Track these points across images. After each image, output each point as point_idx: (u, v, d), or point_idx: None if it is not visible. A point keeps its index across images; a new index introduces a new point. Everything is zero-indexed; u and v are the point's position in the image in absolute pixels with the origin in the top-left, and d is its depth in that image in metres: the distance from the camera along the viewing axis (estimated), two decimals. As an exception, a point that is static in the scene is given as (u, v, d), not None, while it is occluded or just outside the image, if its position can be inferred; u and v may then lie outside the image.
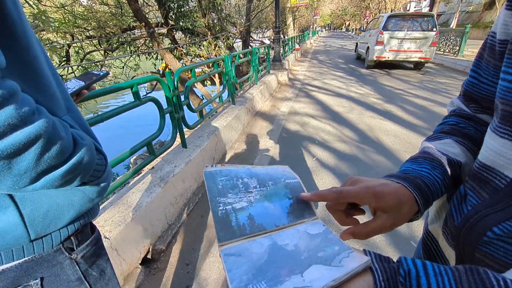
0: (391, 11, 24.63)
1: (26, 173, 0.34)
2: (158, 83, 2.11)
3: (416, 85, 5.95)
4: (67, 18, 6.57)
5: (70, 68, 7.36)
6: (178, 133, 2.30)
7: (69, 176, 0.40)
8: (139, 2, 6.56)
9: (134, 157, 6.26)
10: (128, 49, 8.48)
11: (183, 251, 1.70)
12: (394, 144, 3.06)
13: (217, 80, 9.25)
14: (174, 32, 7.99)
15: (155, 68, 10.32)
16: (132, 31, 8.33)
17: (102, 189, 0.51)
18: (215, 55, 8.01)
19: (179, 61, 7.83)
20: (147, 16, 7.65)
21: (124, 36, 7.99)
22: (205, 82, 9.08)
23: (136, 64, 9.33)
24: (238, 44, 12.42)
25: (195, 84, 6.26)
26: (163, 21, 7.71)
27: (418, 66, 8.06)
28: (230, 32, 10.17)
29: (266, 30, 21.09)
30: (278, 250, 0.28)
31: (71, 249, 0.50)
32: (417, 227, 1.77)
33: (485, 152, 0.36)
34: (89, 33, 7.68)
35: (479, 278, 0.22)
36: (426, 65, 8.58)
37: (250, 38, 12.59)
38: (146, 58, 8.84)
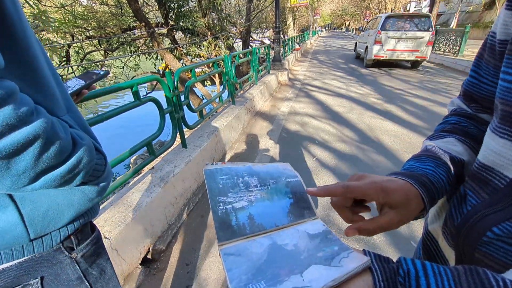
0: (391, 11, 24.65)
1: (25, 173, 0.34)
2: (158, 83, 2.11)
3: (416, 85, 5.95)
4: (67, 18, 6.57)
5: (70, 68, 7.36)
6: (178, 133, 2.30)
7: (68, 176, 0.40)
8: (139, 2, 6.56)
9: (134, 157, 6.26)
10: (128, 49, 8.48)
11: (183, 251, 1.70)
12: (394, 144, 3.06)
13: (217, 80, 9.25)
14: (174, 32, 7.99)
15: (155, 68, 10.32)
16: (132, 31, 8.33)
17: (101, 188, 0.51)
18: (215, 55, 8.01)
19: (179, 61, 7.83)
20: (147, 16, 7.65)
21: (124, 36, 7.99)
22: (205, 82, 9.09)
23: (136, 64, 9.33)
24: (238, 44, 12.42)
25: (195, 84, 6.26)
26: (163, 21, 7.70)
27: (415, 64, 8.29)
28: (230, 32, 10.17)
29: (266, 30, 21.09)
30: (277, 250, 0.28)
31: (71, 248, 0.50)
32: (417, 227, 1.77)
33: (484, 152, 0.36)
34: (89, 33, 7.68)
35: (478, 279, 0.22)
36: (426, 65, 8.91)
37: (250, 38, 12.58)
38: (146, 58, 8.84)
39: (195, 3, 8.01)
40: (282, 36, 10.52)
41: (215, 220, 0.31)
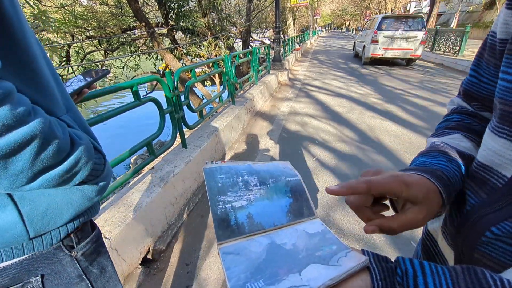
0: (391, 11, 24.67)
1: (23, 173, 0.34)
2: (158, 83, 2.11)
3: (416, 85, 5.95)
4: (67, 18, 6.58)
5: (70, 68, 7.37)
6: (178, 133, 2.31)
7: (66, 176, 0.40)
8: (139, 2, 6.57)
9: (134, 157, 6.26)
10: (128, 49, 8.48)
11: (183, 251, 1.70)
12: (394, 144, 3.06)
13: (217, 80, 9.26)
14: (174, 32, 7.99)
15: (155, 68, 10.32)
16: (132, 31, 8.33)
17: (101, 188, 0.51)
18: (215, 55, 8.01)
19: (179, 61, 7.84)
20: (147, 16, 7.65)
21: (124, 36, 8.00)
22: (205, 82, 9.08)
23: (136, 64, 9.32)
24: (238, 44, 12.41)
25: (195, 84, 6.26)
26: (163, 21, 7.71)
27: (409, 62, 8.81)
28: (230, 32, 10.16)
29: (266, 30, 21.09)
30: (276, 249, 0.28)
31: (71, 246, 0.50)
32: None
33: (483, 151, 0.36)
34: (89, 33, 7.69)
35: (476, 278, 0.22)
36: (426, 65, 8.97)
37: (250, 38, 12.58)
38: (146, 58, 8.84)
39: (195, 3, 8.01)
40: (282, 36, 10.52)
41: (214, 219, 0.31)
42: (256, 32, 20.15)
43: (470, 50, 9.49)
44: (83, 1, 8.48)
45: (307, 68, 9.17)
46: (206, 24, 8.00)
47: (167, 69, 7.84)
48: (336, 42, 24.34)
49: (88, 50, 8.53)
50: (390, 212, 0.36)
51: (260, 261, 0.26)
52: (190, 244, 1.75)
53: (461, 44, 8.48)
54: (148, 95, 2.05)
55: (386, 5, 26.07)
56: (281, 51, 7.42)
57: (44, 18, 4.36)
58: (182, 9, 7.56)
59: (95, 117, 1.43)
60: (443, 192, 0.34)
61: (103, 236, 1.32)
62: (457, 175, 0.36)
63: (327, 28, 74.54)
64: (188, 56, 8.41)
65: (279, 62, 6.97)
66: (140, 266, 1.56)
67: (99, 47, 8.40)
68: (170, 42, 8.16)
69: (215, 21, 8.80)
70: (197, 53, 8.35)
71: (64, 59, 7.37)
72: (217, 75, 8.63)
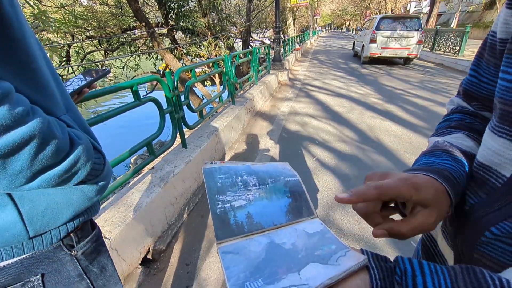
0: (391, 11, 24.68)
1: (21, 173, 0.34)
2: (158, 83, 2.11)
3: (417, 85, 5.95)
4: (67, 18, 6.58)
5: (70, 68, 7.37)
6: (178, 133, 2.31)
7: (65, 176, 0.40)
8: (139, 2, 6.56)
9: (134, 157, 6.26)
10: (128, 49, 8.48)
11: (183, 251, 1.70)
12: (394, 144, 3.06)
13: (217, 80, 9.26)
14: (174, 32, 7.99)
15: (155, 68, 10.32)
16: (132, 31, 8.33)
17: (101, 187, 0.52)
18: (215, 55, 8.01)
19: (179, 61, 7.84)
20: (147, 16, 7.65)
21: (124, 36, 8.00)
22: (205, 82, 9.08)
23: (136, 64, 9.33)
24: (238, 44, 12.41)
25: (195, 84, 6.26)
26: (163, 21, 7.71)
27: (407, 61, 9.06)
28: (230, 32, 10.17)
29: (266, 30, 21.09)
30: (275, 248, 0.28)
31: (71, 246, 0.51)
32: (417, 227, 1.77)
33: (483, 151, 0.36)
34: (89, 33, 7.69)
35: (475, 278, 0.22)
36: (426, 65, 9.00)
37: (250, 38, 12.59)
38: (146, 58, 8.85)
39: (195, 3, 8.01)
40: (282, 36, 10.51)
41: (214, 218, 0.31)
42: (256, 32, 20.15)
43: (470, 50, 9.49)
44: (83, 1, 8.49)
45: (307, 68, 9.17)
46: (206, 24, 8.00)
47: (167, 69, 7.84)
48: (336, 42, 24.34)
49: (88, 50, 8.54)
50: (398, 215, 0.35)
51: (259, 260, 0.26)
52: (190, 244, 1.75)
53: (461, 44, 8.48)
54: (148, 95, 2.05)
55: (386, 5, 26.07)
56: (281, 51, 7.42)
57: (44, 18, 4.36)
58: (182, 9, 7.56)
59: (95, 117, 1.43)
60: (451, 192, 0.33)
61: (103, 236, 1.32)
62: (462, 174, 0.36)
63: (327, 28, 74.55)
64: (188, 56, 8.41)
65: (279, 62, 6.97)
66: (140, 266, 1.56)
67: (99, 47, 8.40)
68: (170, 42, 8.16)
69: (215, 21, 8.80)
70: (197, 53, 8.35)
71: (64, 59, 7.38)
72: (217, 75, 8.63)
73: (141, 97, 1.79)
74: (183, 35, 8.66)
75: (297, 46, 12.52)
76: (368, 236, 1.73)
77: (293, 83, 6.77)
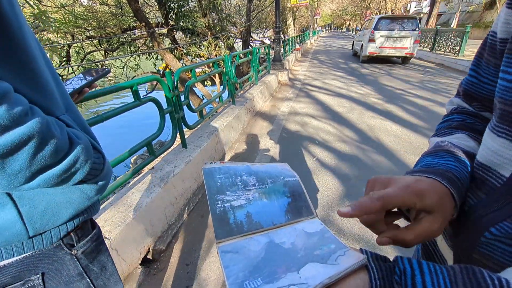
0: (392, 11, 24.68)
1: (20, 173, 0.34)
2: (158, 83, 2.11)
3: (417, 85, 5.95)
4: (67, 18, 6.58)
5: (70, 68, 7.37)
6: (178, 133, 2.31)
7: (65, 175, 0.40)
8: (139, 2, 6.57)
9: (134, 157, 6.26)
10: (128, 49, 8.49)
11: (183, 251, 1.70)
12: (394, 144, 3.06)
13: (217, 80, 9.26)
14: (174, 32, 7.99)
15: (155, 68, 10.32)
16: (133, 31, 8.33)
17: (100, 187, 0.52)
18: (215, 55, 8.01)
19: (179, 61, 7.84)
20: (147, 16, 7.65)
21: (125, 36, 8.00)
22: (205, 82, 9.09)
23: (137, 64, 9.33)
24: (238, 44, 12.42)
25: (195, 84, 6.26)
26: (163, 21, 7.71)
27: (404, 60, 9.35)
28: (231, 32, 10.17)
29: (266, 30, 21.10)
30: (275, 248, 0.28)
31: (71, 245, 0.51)
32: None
33: (482, 151, 0.36)
34: (89, 33, 7.69)
35: (474, 278, 0.22)
36: (426, 65, 9.04)
37: (251, 38, 12.59)
38: (147, 58, 8.85)
39: (195, 3, 8.01)
40: (282, 36, 10.52)
41: (213, 218, 0.31)
42: (256, 32, 20.15)
43: (471, 50, 9.48)
44: (83, 1, 8.50)
45: (307, 68, 9.17)
46: (206, 24, 8.00)
47: (167, 69, 7.84)
48: (336, 42, 24.34)
49: (88, 50, 8.54)
50: (403, 220, 0.34)
51: (258, 259, 0.26)
52: (190, 244, 1.75)
53: (461, 44, 8.47)
54: (148, 95, 2.05)
55: (386, 5, 26.08)
56: (281, 51, 7.42)
57: (44, 18, 4.36)
58: (182, 9, 7.57)
59: (95, 117, 1.44)
60: (456, 194, 0.32)
61: (103, 236, 1.32)
62: (466, 175, 0.35)
63: (327, 28, 74.57)
64: (188, 56, 8.42)
65: (279, 62, 6.97)
66: (140, 266, 1.56)
67: (99, 47, 8.40)
68: (170, 42, 8.16)
69: (215, 21, 8.80)
70: (197, 53, 8.35)
71: (64, 59, 7.38)
72: (217, 75, 8.63)
73: (141, 97, 1.79)
74: (183, 35, 8.67)
75: (297, 46, 12.53)
76: (367, 236, 1.73)
77: (293, 83, 6.77)
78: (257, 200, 0.35)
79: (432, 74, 7.34)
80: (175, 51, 7.97)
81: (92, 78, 0.73)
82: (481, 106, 0.44)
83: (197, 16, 7.85)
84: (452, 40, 9.10)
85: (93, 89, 0.77)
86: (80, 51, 8.30)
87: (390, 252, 1.62)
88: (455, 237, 0.36)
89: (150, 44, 8.32)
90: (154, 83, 7.55)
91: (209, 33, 8.15)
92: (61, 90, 0.48)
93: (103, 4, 8.16)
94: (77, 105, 0.67)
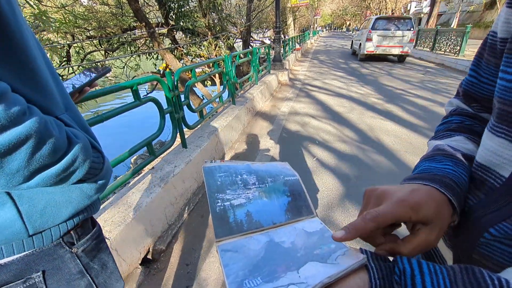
0: (392, 11, 24.68)
1: (19, 172, 0.35)
2: (158, 83, 2.11)
3: (417, 85, 5.94)
4: (67, 18, 6.58)
5: (70, 68, 7.38)
6: (178, 133, 2.31)
7: (63, 174, 0.41)
8: (139, 2, 6.57)
9: (134, 157, 6.26)
10: (128, 49, 8.48)
11: (183, 251, 1.70)
12: (394, 144, 3.06)
13: (217, 80, 9.25)
14: (175, 32, 7.99)
15: (156, 68, 10.32)
16: (133, 31, 8.33)
17: (100, 186, 0.52)
18: (216, 55, 8.01)
19: (179, 61, 7.84)
20: (147, 16, 7.65)
21: (125, 36, 8.00)
22: (206, 82, 9.08)
23: (137, 64, 9.33)
24: (238, 44, 12.41)
25: (196, 84, 6.26)
26: (163, 21, 7.71)
27: (400, 59, 9.86)
28: (231, 32, 10.17)
29: (266, 30, 21.09)
30: (275, 247, 0.28)
31: (71, 243, 0.51)
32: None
33: (481, 151, 0.35)
34: (89, 33, 7.69)
35: (474, 278, 0.22)
36: (427, 65, 9.09)
37: (251, 38, 12.59)
38: (147, 58, 8.85)
39: (196, 3, 8.01)
40: (282, 36, 10.52)
41: (213, 216, 0.31)
42: (257, 32, 20.15)
43: (471, 50, 9.48)
44: (83, 1, 8.50)
45: (307, 68, 9.17)
46: (206, 24, 8.00)
47: (167, 69, 7.85)
48: (336, 42, 24.32)
49: (89, 50, 8.54)
50: (402, 228, 0.34)
51: (258, 258, 0.26)
52: (190, 244, 1.75)
53: (462, 44, 8.46)
54: (148, 95, 2.05)
55: (386, 5, 26.07)
56: (282, 51, 7.42)
57: (44, 18, 4.36)
58: (182, 9, 7.57)
59: (95, 117, 1.43)
60: (454, 201, 0.32)
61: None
62: (465, 179, 0.35)
63: (327, 28, 74.55)
64: (188, 56, 8.42)
65: (280, 62, 6.97)
66: (140, 266, 1.56)
67: (100, 47, 8.40)
68: (170, 42, 8.16)
69: (215, 21, 8.80)
70: (197, 53, 8.35)
71: (64, 59, 7.38)
72: (217, 75, 8.62)
73: (141, 97, 1.79)
74: (183, 35, 8.67)
75: (297, 46, 12.53)
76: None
77: (293, 83, 6.76)
78: (257, 199, 0.35)
79: (433, 74, 7.34)
80: (175, 51, 7.98)
81: (92, 77, 0.73)
82: (481, 107, 0.44)
83: (197, 16, 7.85)
84: (452, 40, 9.10)
85: (93, 89, 0.78)
86: (80, 51, 8.30)
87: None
88: (455, 237, 0.36)
89: (150, 44, 8.32)
90: (154, 83, 7.55)
91: (209, 33, 8.15)
92: (60, 89, 0.48)
93: (103, 4, 8.16)
94: (77, 105, 0.67)
